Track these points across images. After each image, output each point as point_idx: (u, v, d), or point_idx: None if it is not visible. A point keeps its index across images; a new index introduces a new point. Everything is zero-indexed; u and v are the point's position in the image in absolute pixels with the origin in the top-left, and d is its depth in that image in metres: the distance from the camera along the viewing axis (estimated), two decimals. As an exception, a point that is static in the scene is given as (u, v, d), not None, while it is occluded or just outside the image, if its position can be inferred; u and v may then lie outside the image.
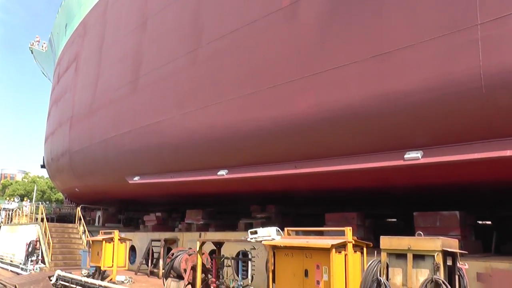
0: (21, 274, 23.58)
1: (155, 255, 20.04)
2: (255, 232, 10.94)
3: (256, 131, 13.42)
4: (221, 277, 12.50)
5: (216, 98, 15.06)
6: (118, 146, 21.26)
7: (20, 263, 25.64)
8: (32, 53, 50.40)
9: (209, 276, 13.03)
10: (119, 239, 17.71)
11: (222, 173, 15.04)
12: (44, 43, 48.92)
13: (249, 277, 11.65)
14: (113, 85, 22.82)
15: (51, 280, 19.74)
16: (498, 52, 8.85)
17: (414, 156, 10.11)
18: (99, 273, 17.70)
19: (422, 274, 7.68)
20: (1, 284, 20.37)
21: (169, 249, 18.57)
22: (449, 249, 7.79)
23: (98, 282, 16.62)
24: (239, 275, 11.96)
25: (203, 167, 16.06)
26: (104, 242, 17.32)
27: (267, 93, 13.18)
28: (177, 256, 14.03)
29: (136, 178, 20.21)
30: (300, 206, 17.69)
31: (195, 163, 16.52)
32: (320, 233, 10.63)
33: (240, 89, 14.20)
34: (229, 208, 20.57)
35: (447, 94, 9.48)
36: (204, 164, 16.02)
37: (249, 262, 11.75)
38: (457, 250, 8.08)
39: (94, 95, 25.08)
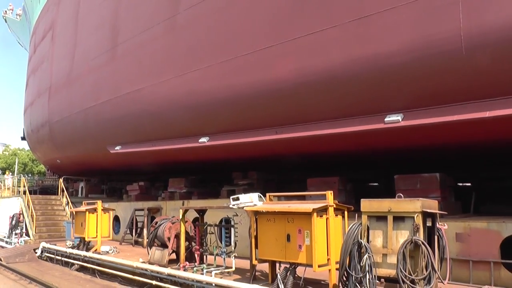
0: (6, 247, 23.47)
1: (139, 225, 20.06)
2: (237, 199, 10.94)
3: (236, 97, 13.27)
4: (204, 245, 12.54)
5: (195, 65, 14.79)
6: (98, 116, 20.93)
7: (4, 237, 25.49)
8: (6, 22, 48.68)
9: (193, 243, 13.06)
10: (102, 210, 17.64)
11: (203, 140, 14.93)
12: (20, 10, 47.23)
13: (232, 243, 11.70)
14: (90, 54, 22.27)
15: (36, 253, 19.72)
16: (478, 13, 8.77)
17: (394, 119, 10.11)
18: (84, 244, 17.68)
19: (402, 235, 7.79)
20: (-14, 257, 20.25)
21: (152, 218, 18.59)
22: (428, 210, 7.89)
23: (83, 253, 16.63)
24: (223, 242, 12.01)
25: (184, 134, 15.92)
26: (87, 212, 17.24)
27: (246, 59, 12.97)
28: (160, 225, 14.00)
29: (117, 148, 20.01)
30: (282, 172, 17.76)
31: (176, 131, 16.37)
32: (302, 198, 10.68)
33: (218, 56, 13.96)
34: (212, 176, 20.57)
35: (427, 56, 9.42)
36: (185, 131, 15.88)
37: (232, 229, 11.79)
38: (437, 211, 8.19)
39: (72, 65, 24.48)
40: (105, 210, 17.92)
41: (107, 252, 16.86)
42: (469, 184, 15.39)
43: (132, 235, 20.00)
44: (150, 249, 14.16)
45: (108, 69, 20.43)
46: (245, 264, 11.32)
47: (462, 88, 9.34)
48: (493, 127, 9.57)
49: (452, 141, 10.79)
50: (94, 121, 21.42)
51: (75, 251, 17.17)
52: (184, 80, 15.28)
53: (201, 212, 13.10)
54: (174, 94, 15.75)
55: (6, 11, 48.58)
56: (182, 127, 16.04)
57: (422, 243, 7.49)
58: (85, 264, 16.18)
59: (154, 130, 17.47)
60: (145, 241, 17.56)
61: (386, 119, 10.25)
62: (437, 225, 8.19)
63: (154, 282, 12.43)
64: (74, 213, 18.82)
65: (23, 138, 39.13)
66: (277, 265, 10.15)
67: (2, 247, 24.12)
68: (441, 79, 9.48)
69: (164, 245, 13.68)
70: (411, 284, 7.38)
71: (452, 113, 9.51)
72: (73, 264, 17.07)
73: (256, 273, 10.86)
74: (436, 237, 8.16)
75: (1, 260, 18.64)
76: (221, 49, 13.93)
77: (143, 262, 13.60)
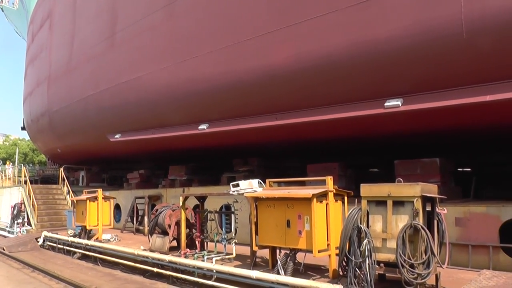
0: (8, 237, 23.57)
1: (140, 212, 20.11)
2: (237, 185, 10.93)
3: (236, 84, 13.20)
4: (205, 231, 12.57)
5: (195, 52, 14.69)
6: (97, 104, 20.87)
7: (7, 226, 25.58)
8: (2, 11, 48.30)
9: (194, 230, 13.09)
10: (103, 198, 17.67)
11: (203, 127, 14.89)
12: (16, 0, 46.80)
13: (233, 230, 11.72)
14: (89, 42, 22.13)
15: (38, 242, 19.81)
16: (479, -4, 8.66)
17: (394, 104, 10.07)
18: (85, 233, 17.75)
19: (402, 220, 7.80)
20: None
21: (153, 206, 18.62)
22: (428, 195, 7.88)
23: (84, 241, 16.70)
24: (223, 229, 12.03)
25: (183, 122, 15.90)
26: (88, 201, 17.27)
27: (246, 45, 12.87)
28: (161, 212, 14.03)
29: (117, 136, 19.99)
30: (283, 158, 17.74)
31: (175, 118, 16.35)
32: (302, 184, 10.67)
33: (218, 42, 13.85)
34: (212, 163, 20.56)
35: (428, 40, 9.33)
36: (184, 119, 15.85)
37: (232, 215, 11.80)
38: (436, 196, 8.18)
39: (71, 53, 24.34)
40: (105, 198, 17.95)
41: (109, 240, 16.93)
42: (469, 169, 15.39)
43: (133, 223, 20.07)
44: (151, 236, 14.21)
45: (107, 57, 20.31)
46: (245, 250, 11.36)
47: (462, 72, 9.28)
48: (494, 111, 9.53)
49: (452, 125, 10.75)
50: (93, 109, 21.36)
51: (76, 240, 17.25)
52: (183, 67, 15.19)
53: (202, 199, 13.11)
54: (174, 81, 15.67)
55: (2, 0, 48.17)
56: (181, 114, 15.99)
57: (422, 227, 7.50)
58: (87, 253, 16.27)
59: (154, 117, 17.43)
60: (146, 228, 17.62)
61: (386, 104, 10.21)
62: (437, 209, 8.18)
63: (155, 269, 12.50)
64: (75, 201, 18.87)
65: (23, 128, 39.05)
66: (278, 251, 10.18)
67: (5, 236, 24.22)
68: (442, 63, 9.41)
69: (165, 233, 13.72)
70: (410, 269, 7.40)
71: (452, 97, 9.45)
72: (75, 252, 17.17)
73: (257, 259, 10.90)
74: (435, 222, 8.16)
75: (4, 250, 18.75)
76: (221, 35, 13.83)
77: (144, 249, 13.66)
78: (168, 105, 16.28)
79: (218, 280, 10.59)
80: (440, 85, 9.59)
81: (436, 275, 8.03)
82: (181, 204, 12.70)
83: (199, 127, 15.09)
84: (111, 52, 19.99)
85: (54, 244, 18.77)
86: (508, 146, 13.24)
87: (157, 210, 14.54)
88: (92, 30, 22.10)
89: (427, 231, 7.52)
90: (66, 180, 26.49)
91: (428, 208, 8.22)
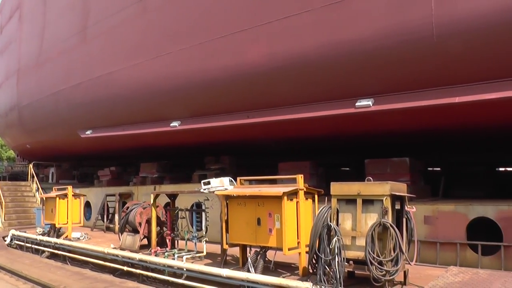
0: (-26, 235, 22.87)
1: (111, 210, 19.83)
2: (208, 183, 10.87)
3: (208, 81, 13.15)
4: (176, 229, 12.48)
5: (168, 48, 14.56)
6: (69, 99, 20.44)
7: (-28, 225, 24.82)
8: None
9: (164, 228, 12.98)
10: (73, 195, 17.30)
11: (175, 124, 14.79)
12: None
13: (204, 228, 11.66)
14: (61, 35, 21.64)
15: (5, 241, 19.27)
16: (450, 1, 8.86)
17: (365, 104, 10.19)
18: (54, 231, 17.36)
19: (371, 218, 7.88)
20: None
21: (124, 204, 18.32)
22: (397, 193, 7.98)
23: (53, 240, 16.30)
24: (194, 227, 11.96)
25: (156, 119, 15.75)
26: (57, 198, 16.87)
27: (219, 42, 12.83)
28: (131, 210, 13.88)
29: (88, 132, 19.64)
30: (254, 156, 17.77)
31: (147, 115, 16.18)
32: (273, 182, 10.68)
33: (191, 39, 13.76)
34: (184, 161, 20.46)
35: (399, 42, 9.48)
36: (156, 116, 15.69)
37: (203, 213, 11.74)
38: (405, 194, 8.30)
39: (41, 46, 23.75)
40: (76, 195, 17.56)
41: (78, 238, 16.61)
42: (439, 169, 15.72)
43: (103, 221, 19.76)
44: (121, 235, 14.02)
45: (79, 51, 19.90)
46: (216, 248, 11.31)
47: (432, 74, 9.47)
48: (462, 112, 9.72)
49: (422, 126, 10.94)
50: (64, 104, 20.90)
51: (45, 238, 16.83)
52: (156, 64, 15.04)
53: (173, 196, 13.00)
54: (146, 77, 15.51)
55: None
56: (154, 111, 15.83)
57: (390, 225, 7.59)
58: (56, 251, 15.87)
59: (126, 114, 17.21)
60: (117, 226, 17.37)
61: (357, 104, 10.32)
62: (406, 208, 8.31)
63: (125, 268, 12.30)
64: (44, 199, 18.42)
65: (-9, 123, 38.01)
66: (248, 249, 10.15)
67: (-30, 235, 23.50)
68: (412, 65, 9.57)
69: (135, 231, 13.57)
70: (379, 266, 7.48)
71: (422, 98, 9.63)
72: (43, 251, 16.73)
73: (227, 258, 10.87)
74: (404, 220, 8.29)
75: (-32, 249, 18.18)
76: (194, 33, 13.73)
77: (115, 248, 13.45)
78: (140, 101, 16.09)
79: (188, 278, 10.50)
80: (411, 86, 9.75)
81: (405, 272, 8.16)
82: (152, 201, 12.56)
83: (171, 124, 14.98)
84: (83, 46, 19.59)
85: (22, 243, 18.26)
86: (477, 147, 13.59)
87: (127, 208, 14.37)
88: (64, 23, 21.61)
89: (395, 229, 7.61)
90: (35, 177, 25.89)
91: (398, 207, 8.33)
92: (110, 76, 17.40)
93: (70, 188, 17.37)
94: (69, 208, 17.06)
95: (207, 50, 13.23)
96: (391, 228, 7.57)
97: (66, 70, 20.90)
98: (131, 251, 12.81)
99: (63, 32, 21.47)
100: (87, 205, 21.65)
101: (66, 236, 16.75)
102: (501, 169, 16.19)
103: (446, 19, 8.87)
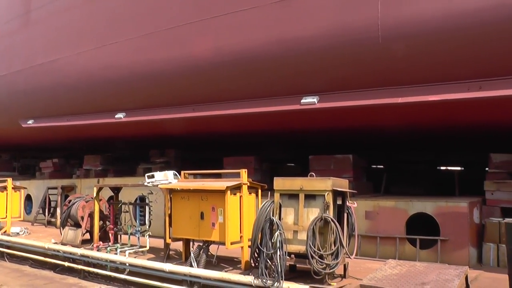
0: None
1: (53, 204, 19.12)
2: (152, 176, 10.70)
3: (155, 73, 12.95)
4: (119, 224, 12.19)
5: (114, 38, 14.21)
6: (9, 86, 19.50)
7: None
8: None
9: (107, 222, 12.65)
10: (12, 188, 16.52)
11: (120, 116, 14.45)
12: None
13: (147, 222, 11.47)
14: (1, 17, 20.58)
15: None
16: (396, 4, 9.12)
17: (310, 101, 10.32)
18: (-8, 226, 16.54)
19: (313, 213, 7.99)
20: None
21: (66, 197, 17.74)
22: (339, 189, 8.12)
23: (-10, 235, 15.56)
24: (137, 221, 11.73)
25: (100, 110, 15.33)
26: (-4, 191, 16.11)
27: (166, 34, 12.68)
28: (74, 204, 13.42)
29: (30, 122, 18.79)
30: (200, 150, 17.72)
31: (92, 106, 15.71)
32: (218, 176, 10.66)
33: (138, 29, 13.50)
34: (129, 153, 20.06)
35: (346, 42, 9.66)
36: (101, 107, 15.28)
37: (147, 207, 11.54)
38: (347, 190, 8.47)
39: (-20, 29, 22.56)
40: (16, 188, 16.75)
41: (18, 233, 15.84)
42: (382, 166, 16.18)
43: (45, 215, 18.98)
44: (63, 229, 13.53)
45: (21, 36, 19.04)
46: (159, 243, 11.14)
47: (377, 75, 9.69)
48: (405, 112, 10.02)
49: (366, 124, 11.21)
50: (5, 91, 19.90)
51: (-19, 234, 16.04)
52: (102, 53, 14.64)
53: (116, 190, 12.68)
54: (91, 67, 15.07)
55: None
56: (99, 102, 15.41)
57: (331, 220, 7.72)
58: (-7, 248, 15.17)
59: (70, 104, 16.62)
60: (58, 221, 16.75)
61: (302, 101, 10.43)
62: (347, 203, 8.48)
63: (66, 264, 11.95)
64: (-20, 192, 17.51)
65: None
66: (191, 243, 10.07)
67: None
68: (358, 65, 9.78)
69: (77, 225, 13.15)
70: (320, 259, 7.60)
71: (366, 97, 9.84)
72: (-21, 248, 15.94)
73: (170, 252, 10.74)
74: (345, 215, 8.46)
75: None
76: (141, 23, 13.48)
77: (56, 243, 12.97)
78: (85, 91, 15.60)
79: (130, 273, 10.31)
80: (356, 86, 9.94)
81: (345, 265, 8.33)
82: (95, 195, 12.22)
83: (116, 116, 14.62)
84: (26, 31, 18.77)
85: (-44, 240, 17.32)
86: (418, 146, 14.09)
87: (70, 201, 13.89)
88: (5, 4, 20.61)
89: (336, 223, 7.75)
90: (-28, 169, 24.64)
91: (340, 202, 8.49)
92: (53, 64, 16.77)
93: (9, 180, 16.55)
94: (8, 201, 16.20)
95: (154, 41, 13.03)
96: (332, 223, 7.70)
97: (7, 55, 19.93)
98: (73, 246, 12.41)
99: (4, 13, 20.48)
100: (28, 198, 20.74)
101: (5, 231, 15.95)
102: (442, 168, 16.84)
103: (392, 22, 9.10)
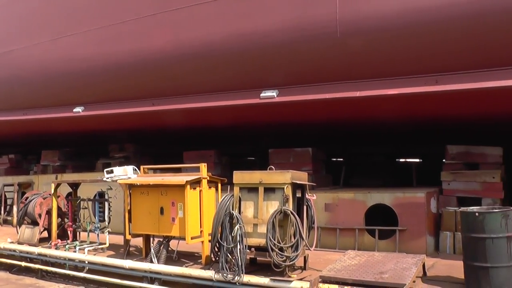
0: None
1: (9, 201, 18.56)
2: (111, 172, 10.55)
3: (113, 66, 12.66)
4: (77, 220, 11.95)
5: (71, 29, 13.79)
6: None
7: None
8: None
9: (66, 220, 12.38)
10: (-35, 185, 15.98)
11: (78, 110, 14.10)
12: None
13: (106, 218, 11.29)
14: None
15: None
16: (353, 0, 9.21)
17: (269, 95, 10.35)
18: None
19: (272, 206, 8.05)
20: None
21: (23, 194, 17.27)
22: (298, 182, 8.21)
23: None
24: (96, 217, 11.54)
25: (58, 103, 14.89)
26: None
27: (125, 26, 12.40)
28: (31, 201, 13.02)
29: (-17, 116, 18.10)
30: (160, 145, 17.55)
31: (50, 100, 15.22)
32: (178, 171, 10.60)
33: (96, 21, 13.16)
34: (88, 149, 19.71)
35: (304, 36, 9.68)
36: (59, 100, 14.83)
37: (106, 203, 11.36)
38: (306, 183, 8.57)
39: None
40: (-32, 186, 16.25)
41: (-29, 233, 15.36)
42: (341, 159, 16.46)
43: (0, 213, 18.44)
44: (19, 227, 13.12)
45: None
46: (119, 239, 10.98)
47: (335, 69, 9.78)
48: (363, 106, 10.21)
49: (325, 118, 11.35)
50: (-44, 83, 19.09)
51: None
52: (59, 45, 14.20)
53: (75, 186, 12.41)
54: (48, 59, 14.57)
55: None
56: (56, 95, 14.94)
57: (291, 212, 7.80)
58: None
59: (26, 97, 16.04)
60: (15, 219, 16.27)
61: (261, 95, 10.44)
62: (307, 195, 8.58)
63: (23, 264, 11.65)
64: None
65: None
66: (152, 239, 10.00)
67: None
68: (317, 59, 9.83)
69: (35, 223, 12.77)
70: (280, 252, 7.67)
71: (325, 91, 9.93)
72: None
73: (131, 249, 10.64)
74: (305, 207, 8.56)
75: None
76: (99, 14, 13.14)
77: (12, 242, 12.59)
78: (42, 84, 15.08)
79: (90, 271, 10.17)
80: (315, 79, 10.01)
81: (305, 257, 8.45)
82: (52, 191, 11.93)
83: (74, 110, 14.27)
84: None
85: None
86: (377, 139, 14.40)
87: (26, 198, 13.47)
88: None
89: (296, 216, 7.83)
90: None
91: (299, 195, 8.59)
92: (8, 55, 16.14)
93: (-39, 177, 16.02)
94: (-40, 199, 15.74)
95: (113, 33, 12.74)
96: (291, 215, 7.78)
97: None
98: (30, 244, 12.07)
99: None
100: (-17, 196, 20.07)
101: (-44, 231, 15.44)
102: (401, 160, 17.25)
103: (349, 17, 9.19)
